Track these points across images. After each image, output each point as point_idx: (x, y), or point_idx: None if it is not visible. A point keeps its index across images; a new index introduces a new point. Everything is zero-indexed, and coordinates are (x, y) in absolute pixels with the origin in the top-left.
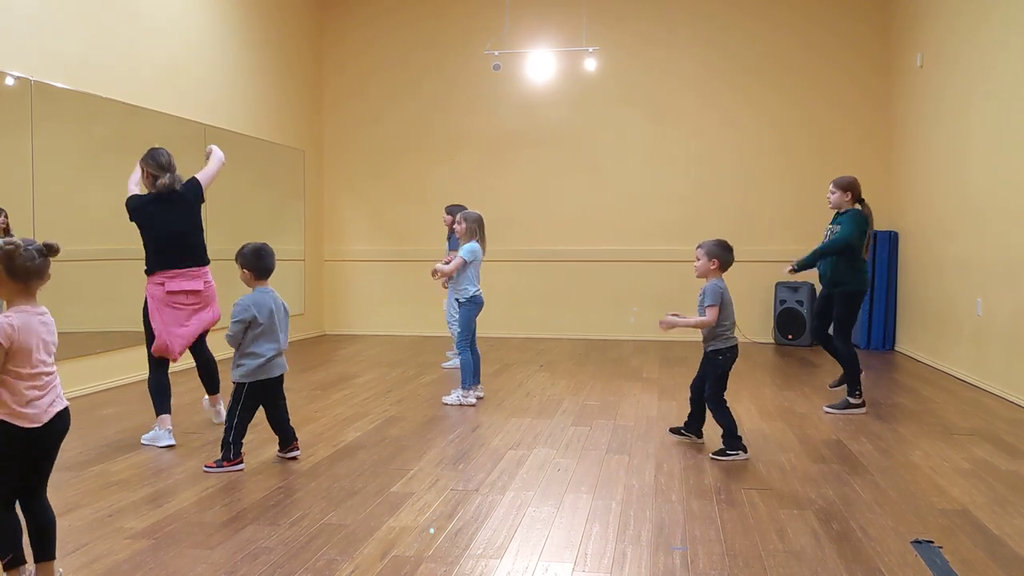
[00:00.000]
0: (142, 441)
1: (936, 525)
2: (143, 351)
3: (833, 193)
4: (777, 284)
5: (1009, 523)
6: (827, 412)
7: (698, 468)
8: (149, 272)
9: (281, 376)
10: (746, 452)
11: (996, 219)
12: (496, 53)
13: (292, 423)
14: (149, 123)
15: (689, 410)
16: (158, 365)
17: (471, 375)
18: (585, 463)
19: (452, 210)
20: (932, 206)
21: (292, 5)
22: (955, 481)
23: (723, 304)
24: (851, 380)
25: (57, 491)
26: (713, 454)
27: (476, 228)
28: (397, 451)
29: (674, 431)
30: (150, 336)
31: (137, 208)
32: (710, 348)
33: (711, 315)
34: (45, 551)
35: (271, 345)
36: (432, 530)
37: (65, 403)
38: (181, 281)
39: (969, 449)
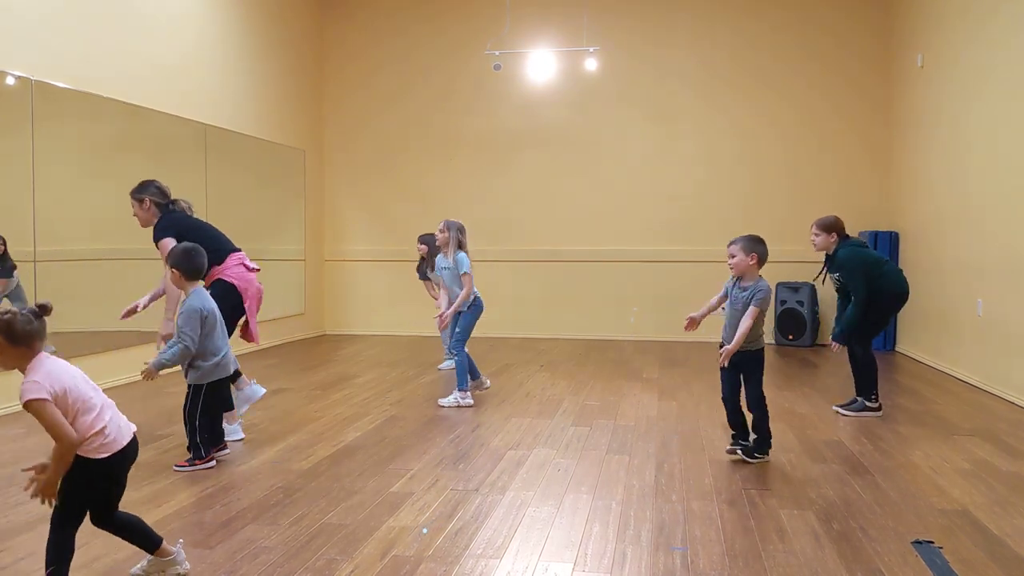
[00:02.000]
0: None
1: (936, 525)
2: (145, 350)
3: (817, 236)
4: (777, 284)
5: (1009, 523)
6: (839, 412)
7: (698, 468)
8: (221, 260)
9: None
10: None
11: (997, 220)
12: (497, 53)
13: (292, 422)
14: (150, 123)
15: (731, 425)
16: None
17: (467, 377)
18: (585, 463)
19: (426, 239)
20: (933, 207)
21: (293, 5)
22: (955, 482)
23: (765, 304)
24: (867, 385)
25: None
26: (744, 453)
27: (460, 236)
28: (397, 451)
29: (731, 451)
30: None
31: (179, 224)
32: (755, 347)
33: (752, 316)
34: (151, 542)
35: (222, 343)
36: (425, 531)
37: (133, 428)
38: (247, 259)
39: (969, 450)
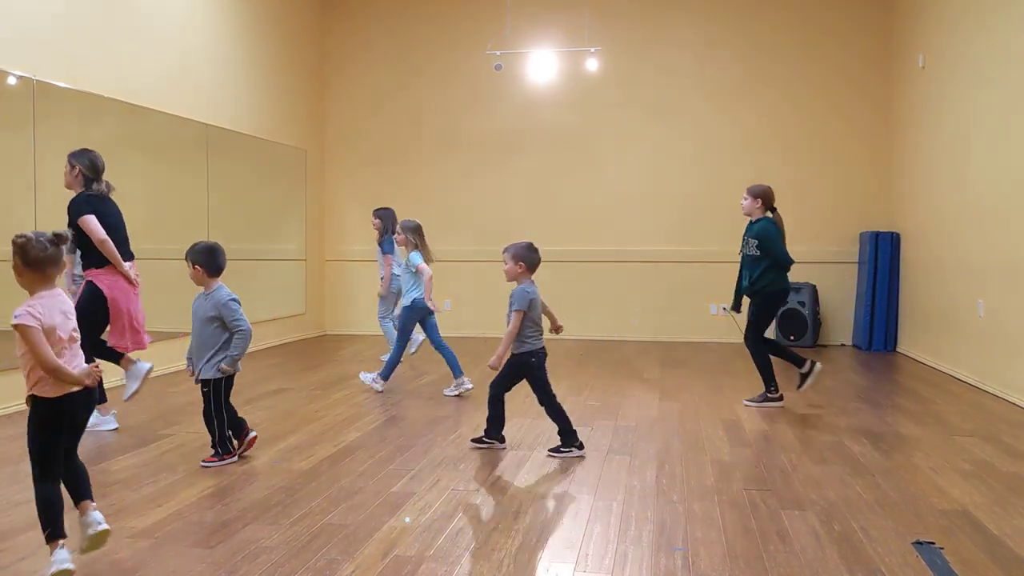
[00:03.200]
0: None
1: (937, 526)
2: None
3: (746, 200)
4: None
5: (1009, 524)
6: (747, 405)
7: (700, 469)
8: (103, 263)
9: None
10: (582, 448)
11: (998, 220)
12: (498, 53)
13: (292, 422)
14: (151, 123)
15: (488, 415)
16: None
17: (458, 369)
18: (586, 464)
19: (380, 214)
20: (934, 207)
21: (295, 6)
22: (956, 482)
23: (531, 307)
24: (767, 380)
25: None
26: (550, 451)
27: (414, 237)
28: (397, 451)
29: (476, 441)
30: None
31: (94, 206)
32: (520, 350)
33: (515, 321)
34: (82, 493)
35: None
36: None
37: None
38: (133, 269)
39: (970, 450)
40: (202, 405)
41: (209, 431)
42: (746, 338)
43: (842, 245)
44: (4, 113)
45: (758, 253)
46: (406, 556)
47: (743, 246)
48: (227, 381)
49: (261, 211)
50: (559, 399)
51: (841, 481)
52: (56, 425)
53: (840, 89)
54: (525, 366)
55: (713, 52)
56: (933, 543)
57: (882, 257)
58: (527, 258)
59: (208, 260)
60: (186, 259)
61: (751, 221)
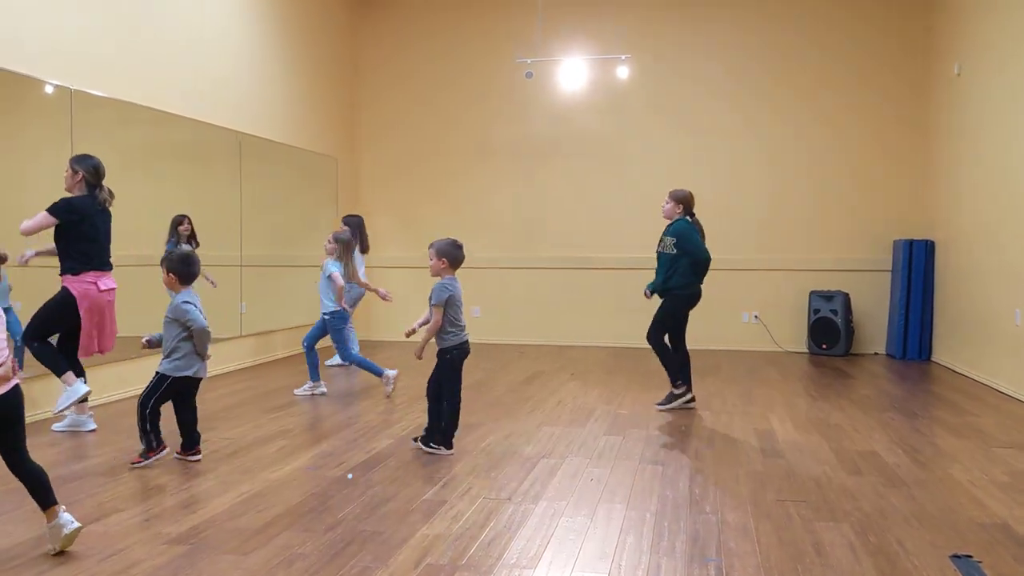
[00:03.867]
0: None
1: (975, 539)
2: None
3: (667, 203)
4: (811, 293)
5: None
6: (659, 409)
7: (732, 479)
8: (77, 271)
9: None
10: (449, 449)
11: None
12: (528, 61)
13: (324, 428)
14: (186, 131)
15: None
16: (42, 338)
17: (378, 370)
18: (619, 473)
19: (349, 220)
20: (971, 215)
21: (326, 16)
22: (994, 495)
23: (450, 303)
24: (672, 374)
25: (93, 496)
26: (415, 439)
27: (343, 248)
28: (429, 459)
29: (417, 440)
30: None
31: (84, 210)
32: (439, 348)
33: (436, 315)
34: (49, 499)
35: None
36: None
37: (16, 381)
38: (108, 280)
39: (1009, 462)
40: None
41: (138, 417)
42: (649, 335)
43: (875, 253)
44: (43, 121)
45: (675, 251)
46: (439, 564)
47: (659, 245)
48: (180, 383)
49: (293, 218)
50: (591, 407)
51: (876, 493)
52: None
53: (873, 96)
54: (444, 362)
55: (745, 59)
56: (971, 556)
57: (916, 265)
58: (450, 254)
59: (182, 269)
60: (161, 265)
61: (669, 223)
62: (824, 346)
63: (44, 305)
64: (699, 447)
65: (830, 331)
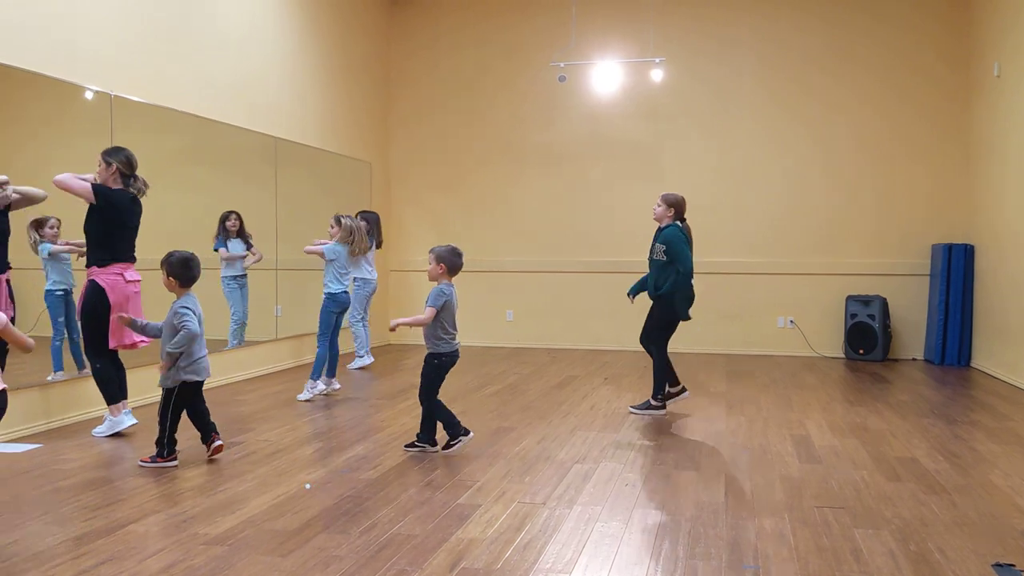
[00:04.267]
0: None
1: (1017, 548)
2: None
3: (659, 207)
4: (848, 298)
5: None
6: (632, 412)
7: (769, 485)
8: (105, 263)
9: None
10: (434, 446)
11: None
12: (562, 65)
13: (359, 431)
14: (222, 136)
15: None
16: (107, 353)
17: (321, 368)
18: (653, 478)
19: (364, 216)
20: (1011, 219)
21: (361, 21)
22: None
23: (444, 308)
24: (658, 383)
25: (132, 497)
26: (406, 445)
27: (347, 235)
28: (463, 462)
29: (409, 446)
30: (95, 327)
31: (120, 204)
32: (429, 351)
33: (428, 315)
34: None
35: (197, 348)
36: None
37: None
38: (132, 272)
39: None
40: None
41: (159, 429)
42: (641, 338)
43: (913, 257)
44: (83, 126)
45: (665, 259)
46: (473, 568)
47: (651, 251)
48: (187, 388)
49: (327, 222)
50: (624, 412)
51: (916, 499)
52: None
53: (911, 98)
54: (430, 365)
55: (780, 61)
56: (1014, 565)
57: (955, 269)
58: (449, 260)
59: (182, 272)
60: (161, 267)
61: (660, 227)
62: (861, 351)
63: (82, 313)
64: (735, 452)
65: (867, 336)
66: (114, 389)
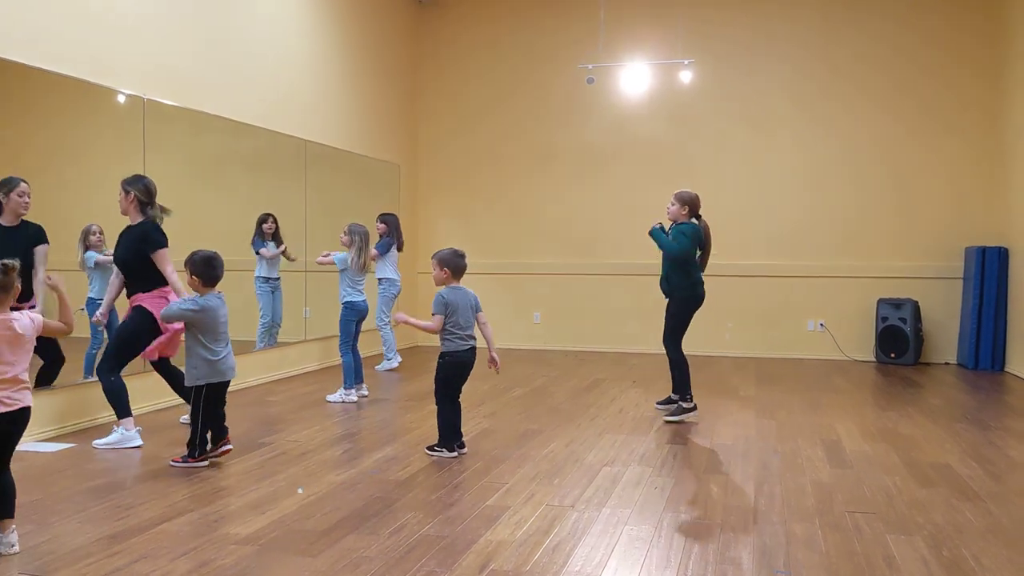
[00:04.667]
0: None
1: None
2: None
3: (672, 205)
4: (879, 301)
5: None
6: (667, 422)
7: (800, 490)
8: (149, 288)
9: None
10: (451, 452)
11: None
12: (590, 67)
13: (388, 432)
14: (253, 139)
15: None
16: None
17: (352, 376)
18: (683, 482)
19: (384, 219)
20: None
21: (389, 25)
22: None
23: (448, 312)
24: (681, 386)
25: (164, 497)
26: (428, 448)
27: (357, 240)
28: (491, 464)
29: (429, 449)
30: (129, 348)
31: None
32: (444, 350)
33: (435, 323)
34: (6, 511)
35: (220, 347)
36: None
37: (28, 403)
38: (167, 290)
39: None
40: None
41: (193, 430)
42: (664, 338)
43: (946, 260)
44: (116, 129)
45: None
46: (503, 570)
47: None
48: (214, 389)
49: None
50: (653, 415)
51: (949, 505)
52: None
53: (944, 99)
54: (439, 363)
55: (810, 63)
56: None
57: (989, 273)
58: (452, 263)
59: (205, 271)
60: (184, 267)
61: (673, 224)
62: (893, 355)
63: (120, 334)
64: (764, 456)
65: (899, 340)
66: (127, 402)
